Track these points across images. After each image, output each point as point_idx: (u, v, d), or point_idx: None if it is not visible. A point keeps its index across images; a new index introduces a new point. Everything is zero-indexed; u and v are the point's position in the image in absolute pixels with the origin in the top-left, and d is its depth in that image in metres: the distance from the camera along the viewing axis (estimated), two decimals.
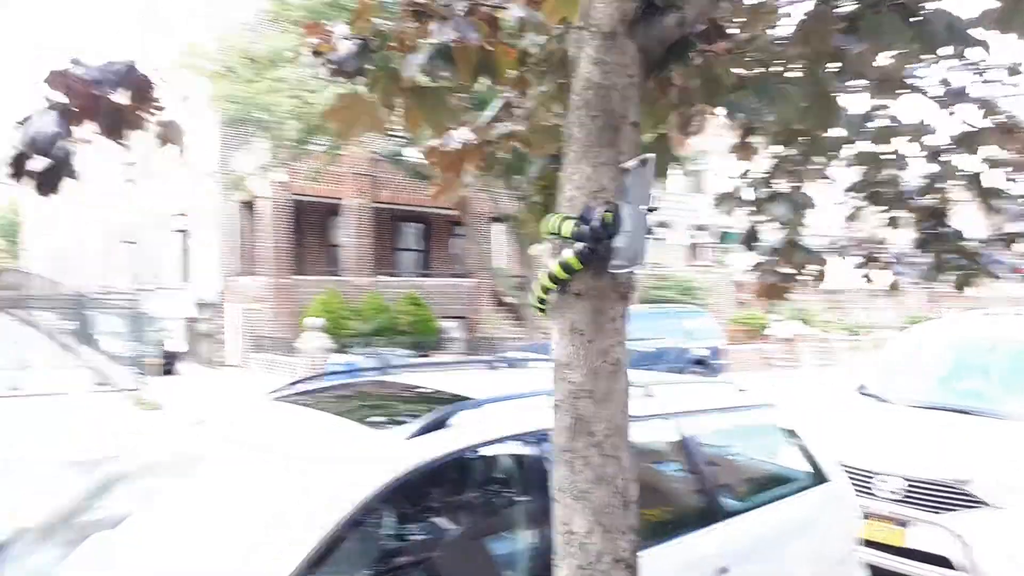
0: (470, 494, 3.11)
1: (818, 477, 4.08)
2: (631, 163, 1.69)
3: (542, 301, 1.84)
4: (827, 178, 2.98)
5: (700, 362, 17.40)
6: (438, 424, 2.82)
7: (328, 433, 3.08)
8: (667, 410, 3.65)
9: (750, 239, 2.91)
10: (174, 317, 22.85)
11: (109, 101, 1.92)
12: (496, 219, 21.39)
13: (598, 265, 1.75)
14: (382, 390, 3.79)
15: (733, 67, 2.04)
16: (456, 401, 3.10)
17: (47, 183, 1.62)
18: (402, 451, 2.65)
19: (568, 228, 1.75)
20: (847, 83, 2.44)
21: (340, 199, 20.98)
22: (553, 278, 1.76)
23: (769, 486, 4.15)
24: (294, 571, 2.13)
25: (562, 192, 1.87)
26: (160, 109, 2.02)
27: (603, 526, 1.74)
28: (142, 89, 1.98)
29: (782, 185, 3.12)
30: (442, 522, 2.96)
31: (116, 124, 1.94)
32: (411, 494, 2.77)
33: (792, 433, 4.16)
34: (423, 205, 21.67)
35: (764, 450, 4.40)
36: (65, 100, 1.66)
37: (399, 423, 2.90)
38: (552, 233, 1.80)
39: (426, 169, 18.21)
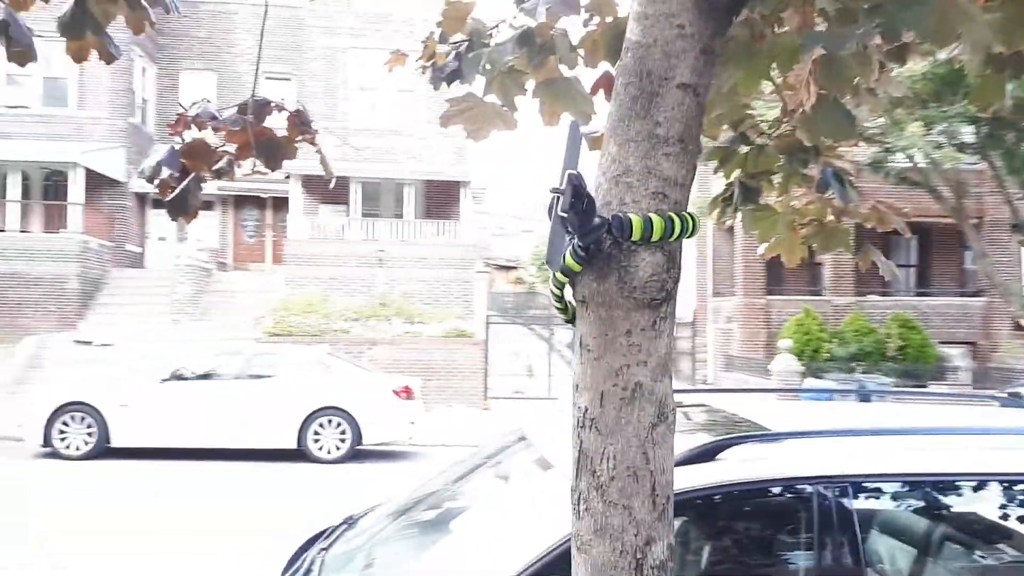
0: (720, 542, 2.74)
1: None
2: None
3: (563, 311, 1.55)
4: None
5: None
6: (702, 456, 2.53)
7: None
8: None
9: None
10: None
11: (269, 135, 2.24)
12: (1016, 227, 17.79)
13: (602, 265, 1.41)
14: (692, 413, 3.55)
15: None
16: (746, 432, 2.78)
17: (175, 209, 1.97)
18: None
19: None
20: None
21: None
22: (558, 283, 1.48)
23: None
24: None
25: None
26: (313, 139, 2.27)
27: None
28: (297, 122, 2.26)
29: None
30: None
31: (274, 155, 2.25)
32: None
33: None
34: (919, 215, 19.18)
35: None
36: (191, 139, 1.98)
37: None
38: None
39: (918, 174, 16.16)
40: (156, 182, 1.90)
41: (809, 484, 2.49)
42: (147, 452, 11.44)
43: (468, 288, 21.33)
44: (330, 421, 11.99)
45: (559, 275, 1.46)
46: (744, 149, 2.22)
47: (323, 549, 3.27)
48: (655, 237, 1.40)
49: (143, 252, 24.73)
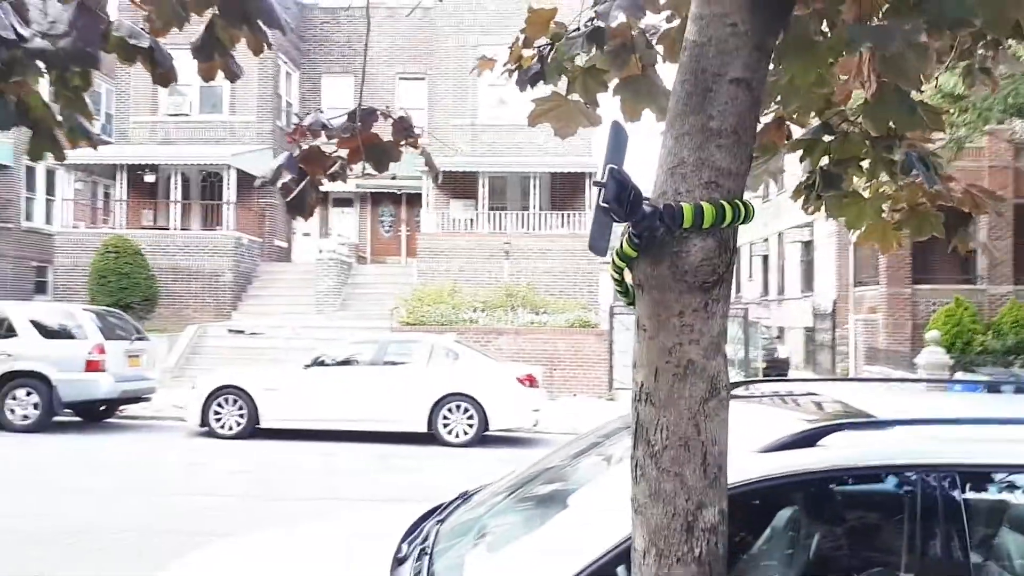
0: (818, 527, 2.74)
1: None
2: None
3: (624, 294, 1.67)
4: None
5: None
6: (804, 441, 2.58)
7: None
8: None
9: None
10: (793, 326, 23.38)
11: (376, 140, 2.48)
12: None
13: (656, 251, 1.52)
14: (802, 400, 3.54)
15: None
16: (850, 418, 2.79)
17: (293, 209, 2.24)
18: (743, 464, 2.51)
19: None
20: None
21: None
22: (617, 268, 1.60)
23: None
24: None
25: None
26: (415, 142, 2.49)
27: (657, 548, 1.50)
28: (401, 128, 2.48)
29: None
30: (764, 553, 2.67)
31: (381, 159, 2.48)
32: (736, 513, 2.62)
33: None
34: None
35: None
36: (306, 146, 2.24)
37: (774, 436, 2.75)
38: None
39: None
40: (279, 185, 2.17)
41: (914, 472, 2.45)
42: (291, 433, 12.30)
43: (593, 279, 21.40)
44: (458, 407, 12.43)
45: (617, 260, 1.59)
46: (828, 138, 2.24)
47: (439, 521, 3.51)
48: (706, 224, 1.50)
49: (289, 247, 26.41)
